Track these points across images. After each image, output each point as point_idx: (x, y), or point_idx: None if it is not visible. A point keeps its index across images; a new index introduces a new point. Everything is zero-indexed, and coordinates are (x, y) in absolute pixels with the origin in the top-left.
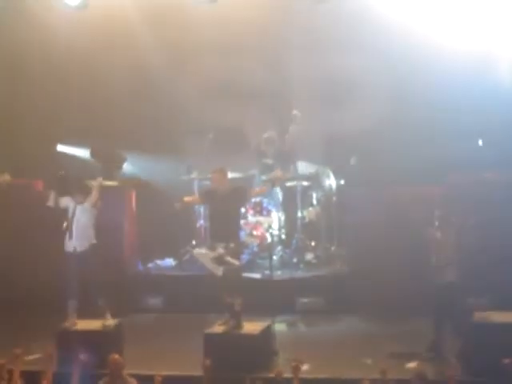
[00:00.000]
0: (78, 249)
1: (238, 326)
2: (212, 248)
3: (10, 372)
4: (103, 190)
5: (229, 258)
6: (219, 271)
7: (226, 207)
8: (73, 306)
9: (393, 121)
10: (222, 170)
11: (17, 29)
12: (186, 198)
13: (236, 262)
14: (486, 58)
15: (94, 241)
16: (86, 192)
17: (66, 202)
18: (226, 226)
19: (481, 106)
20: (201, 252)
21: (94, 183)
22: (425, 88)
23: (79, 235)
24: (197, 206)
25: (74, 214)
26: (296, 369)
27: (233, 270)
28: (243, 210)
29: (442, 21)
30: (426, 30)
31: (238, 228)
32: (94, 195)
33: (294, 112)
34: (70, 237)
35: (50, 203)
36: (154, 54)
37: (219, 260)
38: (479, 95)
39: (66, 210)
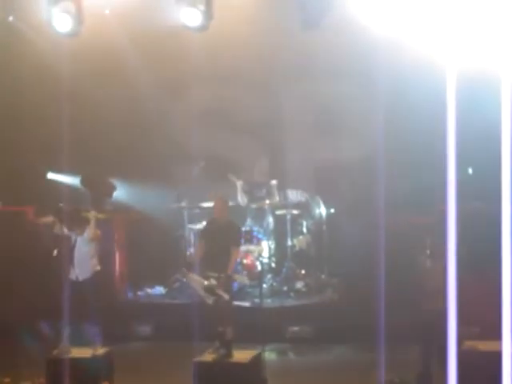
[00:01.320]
0: (80, 277)
1: (229, 354)
2: (204, 276)
3: None
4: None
5: (219, 291)
6: (210, 300)
7: (222, 237)
8: (67, 334)
9: (383, 150)
10: (224, 198)
11: (7, 55)
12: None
13: (226, 296)
14: (476, 88)
15: (97, 268)
16: (84, 224)
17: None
18: (219, 256)
19: (471, 135)
20: (194, 277)
21: (90, 216)
22: (416, 117)
23: (81, 264)
24: (187, 234)
25: (74, 244)
26: None
27: (223, 302)
28: None
29: (432, 53)
30: (417, 57)
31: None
32: (91, 229)
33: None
34: (73, 266)
35: (57, 231)
36: (144, 82)
37: (210, 290)
38: (471, 122)
39: (57, 237)
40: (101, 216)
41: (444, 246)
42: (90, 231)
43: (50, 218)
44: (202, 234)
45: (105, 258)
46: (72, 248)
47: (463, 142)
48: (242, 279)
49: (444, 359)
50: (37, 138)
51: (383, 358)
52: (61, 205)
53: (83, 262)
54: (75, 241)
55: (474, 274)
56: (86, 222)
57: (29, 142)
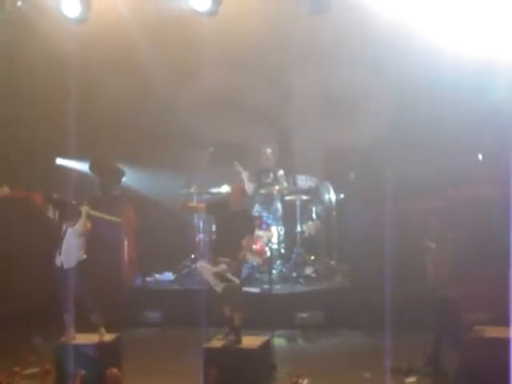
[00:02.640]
0: (65, 266)
1: (238, 341)
2: (214, 262)
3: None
4: (100, 206)
5: (229, 276)
6: (219, 287)
7: (235, 225)
8: (68, 319)
9: (393, 136)
10: (242, 187)
11: (17, 40)
12: (190, 204)
13: (236, 280)
14: (485, 73)
15: (83, 257)
16: (75, 217)
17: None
18: (231, 243)
19: (481, 121)
20: (203, 266)
21: (82, 210)
22: (425, 103)
23: (67, 254)
24: (196, 220)
25: (65, 233)
26: None
27: (233, 287)
28: None
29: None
30: (427, 43)
31: (241, 246)
32: (81, 224)
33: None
34: (59, 253)
35: (50, 215)
36: (154, 67)
37: (220, 276)
38: (480, 108)
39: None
40: (93, 213)
41: (453, 231)
42: (80, 225)
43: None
44: (215, 217)
45: (113, 244)
46: (62, 238)
47: (473, 128)
48: (255, 259)
49: (454, 345)
50: (46, 124)
51: (391, 344)
52: (54, 196)
53: (70, 252)
54: (65, 231)
55: (483, 261)
56: (78, 215)
57: (38, 128)
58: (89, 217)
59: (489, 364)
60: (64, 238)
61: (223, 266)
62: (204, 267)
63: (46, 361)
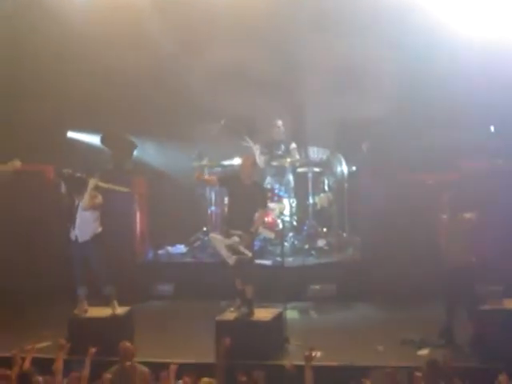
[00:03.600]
0: (80, 239)
1: (250, 313)
2: (227, 235)
3: (22, 359)
4: (112, 179)
5: (242, 248)
6: (231, 260)
7: (248, 197)
8: (82, 293)
9: (405, 108)
10: (252, 158)
11: (27, 15)
12: (206, 177)
13: (249, 254)
14: (498, 45)
15: (99, 230)
16: (85, 190)
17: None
18: (244, 215)
19: (493, 92)
20: (216, 237)
21: (90, 183)
22: (438, 75)
23: (81, 227)
24: (208, 193)
25: (77, 208)
26: (309, 358)
27: (245, 260)
28: None
29: (455, 7)
30: (438, 16)
31: (253, 219)
32: (87, 198)
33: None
34: (73, 227)
35: (62, 189)
36: (165, 41)
37: (233, 249)
38: (492, 81)
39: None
40: (102, 185)
41: (466, 202)
42: (86, 198)
43: None
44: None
45: (125, 216)
46: (75, 211)
47: (484, 100)
48: (268, 233)
49: (467, 317)
50: (58, 97)
51: (404, 316)
52: (64, 171)
53: (84, 225)
54: (77, 205)
55: (496, 233)
56: (86, 188)
57: (49, 101)
58: (99, 190)
59: (502, 336)
60: (77, 212)
61: (236, 239)
62: (216, 239)
63: (59, 335)
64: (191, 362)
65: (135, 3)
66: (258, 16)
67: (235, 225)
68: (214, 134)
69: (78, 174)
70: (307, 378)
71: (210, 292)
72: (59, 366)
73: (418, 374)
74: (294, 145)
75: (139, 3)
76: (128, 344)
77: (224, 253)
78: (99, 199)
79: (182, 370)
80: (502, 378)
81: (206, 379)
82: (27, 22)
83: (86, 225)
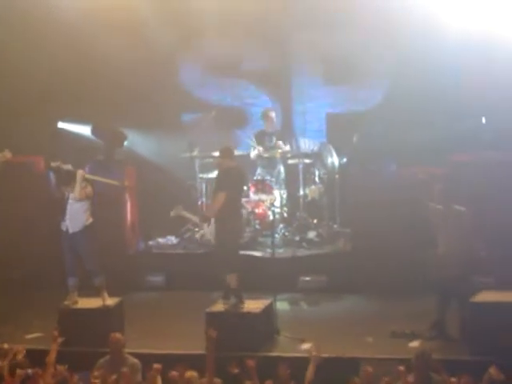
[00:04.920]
0: (70, 230)
1: (240, 302)
2: None
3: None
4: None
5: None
6: None
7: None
8: (72, 283)
9: (396, 100)
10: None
11: (16, 4)
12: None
13: None
14: (489, 37)
15: (89, 221)
16: (73, 183)
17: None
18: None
19: (483, 85)
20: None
21: (77, 175)
22: (427, 67)
23: (72, 219)
24: (198, 184)
25: (67, 199)
26: (314, 358)
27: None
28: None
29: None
30: (430, 7)
31: None
32: (77, 189)
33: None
34: (64, 218)
35: (51, 181)
36: (156, 30)
37: None
38: (481, 73)
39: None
40: (90, 177)
41: (458, 195)
42: (76, 190)
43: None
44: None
45: (115, 207)
46: (65, 203)
47: (475, 92)
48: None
49: (459, 309)
50: (48, 87)
51: (395, 308)
52: (52, 163)
53: (74, 216)
54: (67, 197)
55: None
56: (75, 180)
57: (40, 92)
58: (88, 181)
59: (493, 328)
60: (67, 203)
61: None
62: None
63: (50, 326)
64: (182, 353)
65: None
66: (250, 7)
67: None
68: (205, 125)
69: (66, 167)
70: (309, 373)
71: (201, 283)
72: (52, 358)
73: (401, 368)
74: (284, 135)
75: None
76: (118, 335)
77: None
78: (89, 190)
79: (173, 360)
80: (492, 370)
81: (190, 372)
82: (17, 12)
83: (76, 216)
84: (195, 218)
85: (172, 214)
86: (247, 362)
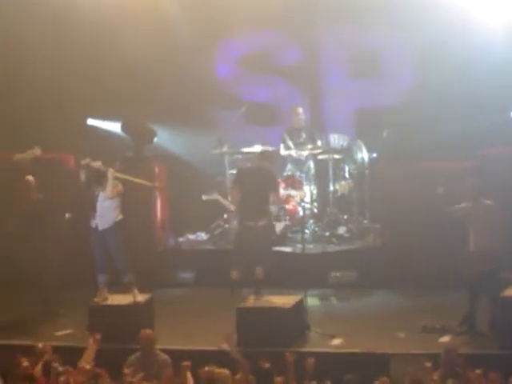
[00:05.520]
0: (100, 227)
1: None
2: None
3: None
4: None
5: None
6: None
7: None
8: (103, 280)
9: (424, 94)
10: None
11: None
12: None
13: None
14: None
15: (119, 218)
16: (103, 181)
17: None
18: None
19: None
20: None
21: (108, 174)
22: (457, 62)
23: (102, 216)
24: (228, 179)
25: (97, 197)
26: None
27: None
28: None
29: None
30: (455, 2)
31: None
32: (109, 189)
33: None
34: (94, 216)
35: (82, 179)
36: (186, 26)
37: None
38: (509, 66)
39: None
40: (118, 175)
41: (487, 189)
42: (108, 189)
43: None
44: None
45: (145, 204)
46: (95, 201)
47: (502, 86)
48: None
49: (489, 305)
50: (78, 84)
51: (425, 303)
52: (82, 162)
53: (104, 214)
54: (98, 195)
55: None
56: (106, 178)
57: (70, 89)
58: (119, 178)
59: None
60: (97, 201)
61: None
62: None
63: (80, 323)
64: (212, 350)
65: None
66: (278, 2)
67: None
68: (235, 121)
69: (96, 165)
70: None
71: (231, 279)
72: (90, 357)
73: (428, 364)
74: (314, 131)
75: None
76: (149, 331)
77: None
78: (120, 187)
79: (203, 357)
80: None
81: (221, 370)
82: (44, 10)
83: (106, 213)
84: (227, 203)
85: (204, 197)
86: (286, 356)
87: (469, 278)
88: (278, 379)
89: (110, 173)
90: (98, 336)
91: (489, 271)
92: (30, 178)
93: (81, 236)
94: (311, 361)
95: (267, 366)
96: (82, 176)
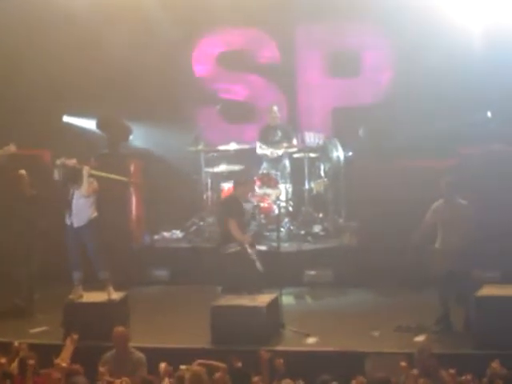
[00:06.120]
0: (75, 224)
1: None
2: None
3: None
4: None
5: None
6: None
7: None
8: (77, 277)
9: (402, 93)
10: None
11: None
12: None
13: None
14: (495, 30)
15: (94, 215)
16: (78, 179)
17: None
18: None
19: (489, 78)
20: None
21: (84, 171)
22: (434, 60)
23: (77, 214)
24: (203, 178)
25: (73, 195)
26: None
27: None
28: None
29: None
30: (436, 2)
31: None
32: (85, 187)
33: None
34: (69, 214)
35: (56, 177)
36: (163, 24)
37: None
38: (489, 66)
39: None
40: (96, 173)
41: (464, 188)
42: (84, 187)
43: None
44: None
45: (120, 201)
46: (70, 199)
47: (481, 85)
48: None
49: (462, 303)
50: (53, 81)
51: (400, 303)
52: (57, 161)
53: (80, 211)
54: (73, 193)
55: (494, 219)
56: (81, 176)
57: (45, 85)
58: (94, 176)
59: (498, 323)
60: (72, 199)
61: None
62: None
63: (55, 320)
64: (186, 347)
65: None
66: (255, 2)
67: None
68: (211, 119)
69: (71, 163)
70: None
71: (205, 277)
72: (66, 356)
73: (403, 363)
74: (289, 129)
75: None
76: (122, 329)
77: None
78: (95, 185)
79: (178, 355)
80: (495, 365)
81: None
82: (23, 9)
83: (81, 211)
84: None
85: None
86: (261, 354)
87: (436, 276)
88: (256, 379)
89: (86, 171)
90: (75, 336)
91: (458, 270)
92: (23, 171)
93: (56, 232)
94: (280, 361)
95: (239, 364)
96: (56, 175)
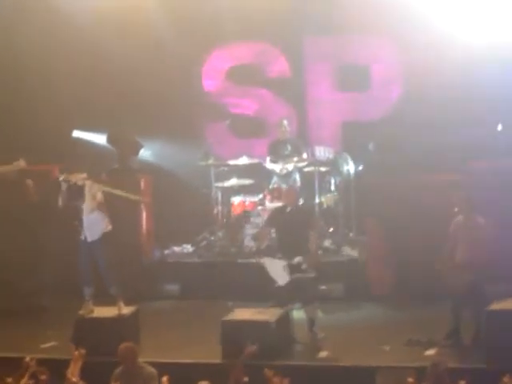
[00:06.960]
0: (89, 239)
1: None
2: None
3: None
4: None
5: (304, 267)
6: (284, 280)
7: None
8: (88, 293)
9: (411, 107)
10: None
11: (30, 14)
12: None
13: (311, 274)
14: (506, 44)
15: (108, 228)
16: (82, 195)
17: None
18: (293, 239)
19: (500, 90)
20: (272, 260)
21: (86, 187)
22: (444, 74)
23: (90, 228)
24: (214, 192)
25: (81, 211)
26: None
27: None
28: (261, 195)
29: (460, 7)
30: (442, 16)
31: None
32: (88, 203)
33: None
34: (82, 229)
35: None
36: (173, 39)
37: (294, 267)
38: (499, 79)
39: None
40: (105, 189)
41: (476, 203)
42: (87, 203)
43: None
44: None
45: (131, 216)
46: (81, 213)
47: (492, 98)
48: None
49: (475, 318)
50: (64, 96)
51: (411, 317)
52: (60, 178)
53: (92, 225)
54: (81, 208)
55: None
56: (83, 191)
57: (55, 100)
58: (99, 188)
59: (510, 337)
60: (82, 214)
61: (300, 259)
62: (273, 261)
63: (65, 335)
64: (197, 362)
65: (142, 3)
66: (265, 15)
67: (285, 249)
68: (221, 134)
69: (74, 179)
70: None
71: (216, 292)
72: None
73: (411, 380)
74: (299, 143)
75: (146, 4)
76: (127, 344)
77: (278, 273)
78: (99, 197)
79: (188, 369)
80: (506, 379)
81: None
82: (31, 22)
83: (94, 224)
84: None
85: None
86: (265, 372)
87: (454, 291)
88: None
89: (88, 186)
90: (83, 350)
91: (474, 284)
92: (30, 181)
93: (67, 248)
94: (286, 381)
95: (246, 379)
96: (63, 190)
